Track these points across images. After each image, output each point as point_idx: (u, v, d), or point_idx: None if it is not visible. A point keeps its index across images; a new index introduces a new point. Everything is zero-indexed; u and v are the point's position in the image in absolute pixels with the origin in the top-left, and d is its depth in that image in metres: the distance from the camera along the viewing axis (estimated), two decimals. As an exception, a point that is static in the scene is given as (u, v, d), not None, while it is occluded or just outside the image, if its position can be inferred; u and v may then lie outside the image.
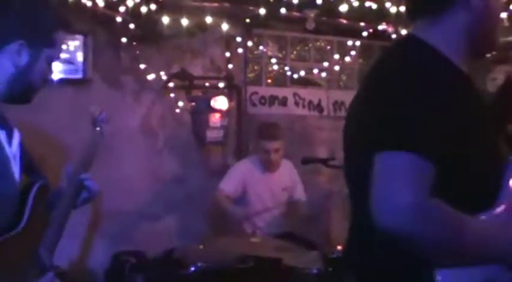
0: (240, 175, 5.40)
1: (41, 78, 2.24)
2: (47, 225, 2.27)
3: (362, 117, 1.95)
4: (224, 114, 6.08)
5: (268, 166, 5.37)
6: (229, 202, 5.31)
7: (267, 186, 5.39)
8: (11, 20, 2.12)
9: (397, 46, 2.12)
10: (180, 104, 6.04)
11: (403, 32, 5.75)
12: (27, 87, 2.19)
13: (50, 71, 2.29)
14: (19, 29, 2.12)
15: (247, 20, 6.09)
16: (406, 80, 1.81)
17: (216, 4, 5.44)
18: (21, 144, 2.20)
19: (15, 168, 2.12)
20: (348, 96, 6.75)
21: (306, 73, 6.72)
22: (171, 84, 5.99)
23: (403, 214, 1.63)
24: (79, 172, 2.43)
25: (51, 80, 5.20)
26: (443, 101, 1.76)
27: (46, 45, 2.19)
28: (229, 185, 5.34)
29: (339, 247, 4.57)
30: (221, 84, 6.19)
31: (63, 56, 5.41)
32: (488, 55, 2.27)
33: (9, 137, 2.15)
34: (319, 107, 6.85)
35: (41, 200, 2.21)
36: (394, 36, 5.90)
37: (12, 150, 2.14)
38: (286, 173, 5.53)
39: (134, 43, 5.68)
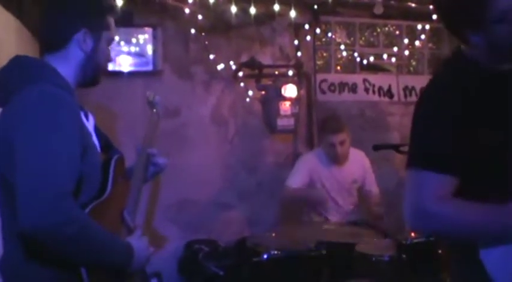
0: (306, 170, 5.30)
1: (105, 59, 2.51)
2: (128, 192, 2.55)
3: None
4: (294, 102, 6.06)
5: (335, 159, 5.25)
6: (300, 190, 5.27)
7: (334, 180, 5.28)
8: (71, 11, 2.38)
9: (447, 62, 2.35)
10: (250, 92, 6.07)
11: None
12: (96, 68, 2.46)
13: (109, 53, 2.54)
14: (80, 18, 2.37)
15: (315, 7, 6.07)
16: (428, 101, 2.21)
17: (282, -8, 5.43)
18: (96, 126, 2.45)
19: (96, 143, 2.38)
20: (418, 81, 6.69)
21: (375, 59, 6.66)
22: (240, 74, 6.02)
23: (423, 217, 2.09)
24: (145, 148, 2.76)
25: (122, 73, 5.37)
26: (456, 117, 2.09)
27: (104, 28, 2.44)
28: (296, 181, 5.25)
29: (412, 234, 4.52)
30: (290, 72, 6.17)
31: (133, 49, 5.52)
32: None
33: (86, 117, 2.39)
34: (389, 93, 6.78)
35: (119, 171, 2.44)
36: (464, 18, 5.77)
37: (89, 128, 2.38)
38: (356, 164, 5.39)
39: (203, 34, 5.73)
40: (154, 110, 2.96)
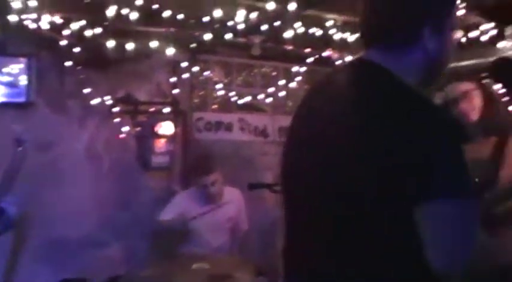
0: (180, 208, 5.27)
1: None
2: None
3: (368, 153, 1.82)
4: (169, 139, 6.07)
5: (209, 199, 5.26)
6: (166, 221, 5.19)
7: (209, 219, 5.25)
8: None
9: (362, 72, 2.06)
10: (125, 129, 5.99)
11: (348, 58, 5.81)
12: None
13: None
14: None
15: (193, 45, 6.09)
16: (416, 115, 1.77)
17: (161, 29, 5.42)
18: None
19: None
20: (293, 122, 6.80)
21: (252, 99, 6.74)
22: (116, 109, 5.94)
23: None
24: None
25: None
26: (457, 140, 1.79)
27: None
28: (167, 217, 5.22)
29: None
30: (166, 110, 6.16)
31: (5, 79, 5.35)
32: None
33: None
34: (264, 133, 6.88)
35: None
36: (339, 62, 5.97)
37: None
38: (232, 202, 5.42)
39: (79, 67, 5.62)
40: (20, 148, 2.75)
